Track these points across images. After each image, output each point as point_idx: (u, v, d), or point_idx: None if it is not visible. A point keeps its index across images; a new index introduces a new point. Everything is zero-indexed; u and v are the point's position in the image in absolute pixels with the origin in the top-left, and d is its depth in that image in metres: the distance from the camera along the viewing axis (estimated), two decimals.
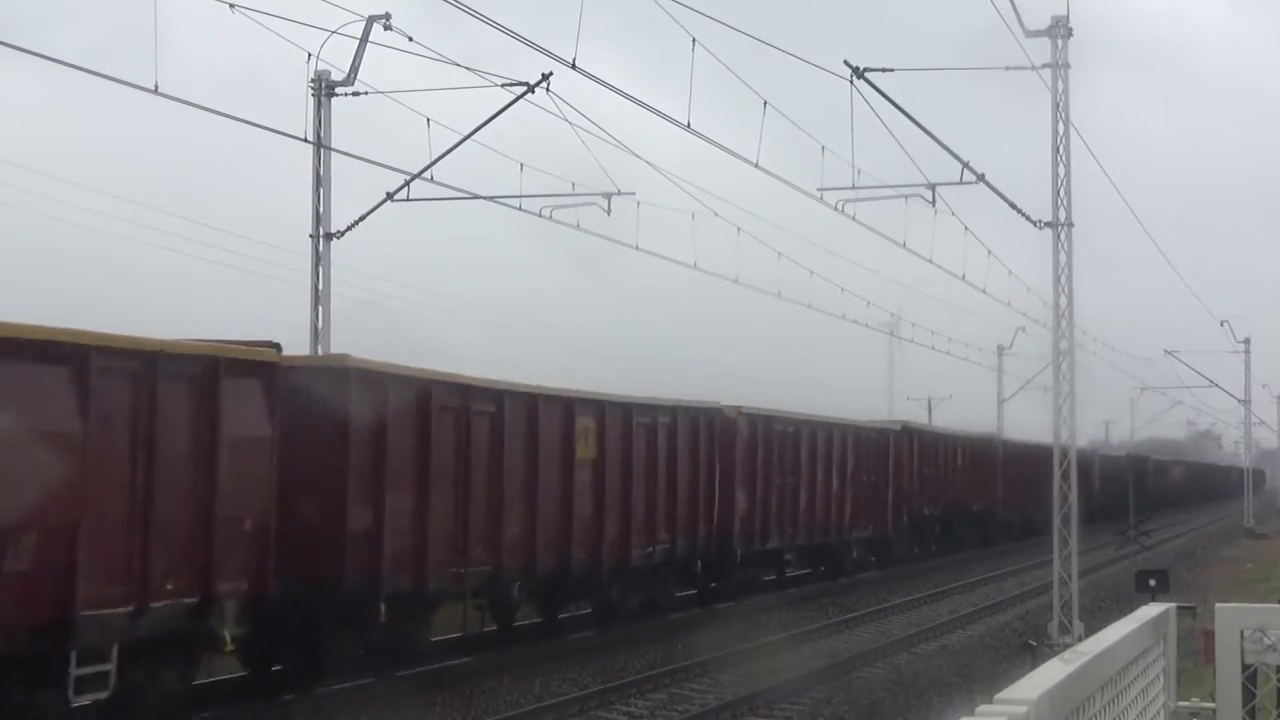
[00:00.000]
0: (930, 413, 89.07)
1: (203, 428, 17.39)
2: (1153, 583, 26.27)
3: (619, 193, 28.37)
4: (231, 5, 21.25)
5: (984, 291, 36.10)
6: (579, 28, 20.37)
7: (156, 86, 19.36)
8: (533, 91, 25.07)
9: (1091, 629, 12.19)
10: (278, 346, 18.76)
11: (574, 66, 20.35)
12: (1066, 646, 9.91)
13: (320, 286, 27.95)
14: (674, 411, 29.59)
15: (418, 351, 36.50)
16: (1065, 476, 26.21)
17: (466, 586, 23.19)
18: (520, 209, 28.31)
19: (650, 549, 28.43)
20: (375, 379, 20.57)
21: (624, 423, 27.42)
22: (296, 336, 27.43)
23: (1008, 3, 24.41)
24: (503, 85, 25.70)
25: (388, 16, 25.87)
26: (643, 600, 28.64)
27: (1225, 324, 70.08)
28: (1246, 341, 72.85)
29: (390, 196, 28.01)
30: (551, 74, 24.33)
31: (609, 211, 28.41)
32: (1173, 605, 6.64)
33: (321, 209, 27.91)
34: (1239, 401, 77.43)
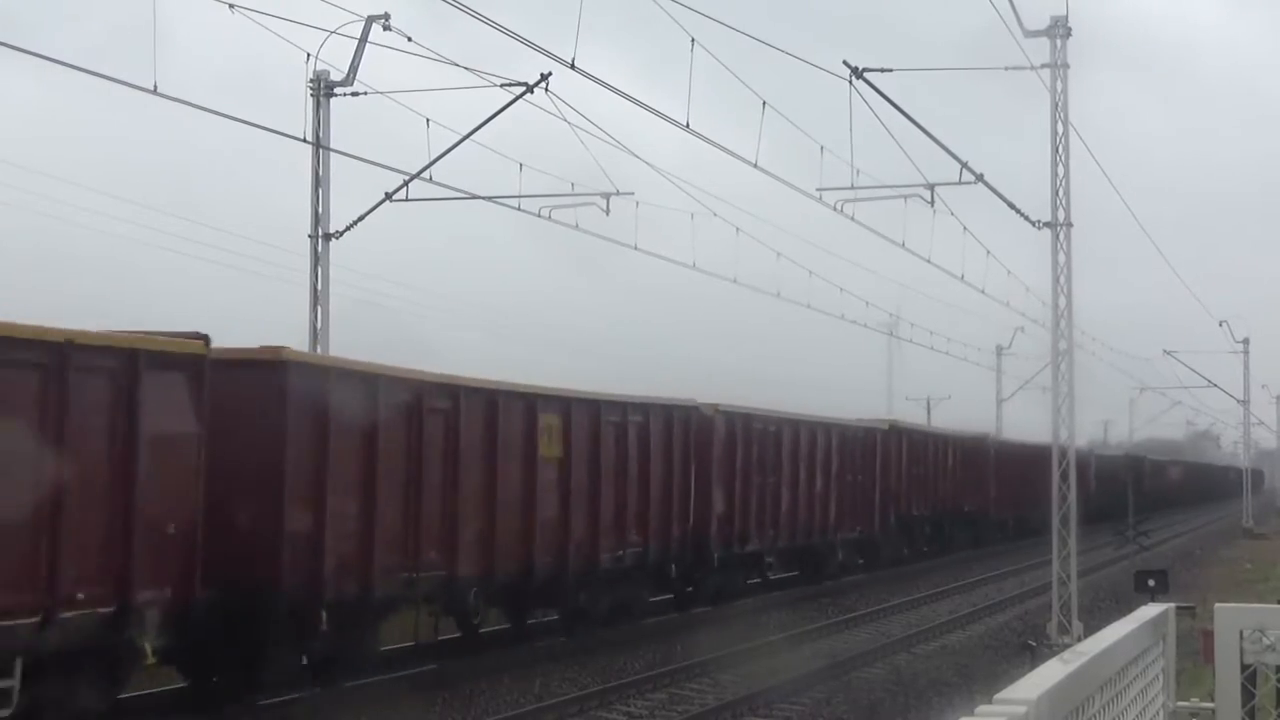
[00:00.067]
0: (929, 413, 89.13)
1: (120, 424, 16.35)
2: (1152, 583, 26.29)
3: (618, 193, 28.40)
4: (231, 5, 21.27)
5: (983, 291, 36.12)
6: (578, 28, 20.43)
7: (156, 87, 19.38)
8: (532, 91, 25.08)
9: (1091, 629, 12.20)
10: (206, 338, 17.71)
11: (573, 66, 20.37)
12: (1066, 647, 9.91)
13: (319, 287, 27.95)
14: (646, 409, 28.55)
15: (417, 352, 36.56)
16: (1064, 477, 26.21)
17: (418, 592, 21.99)
18: (519, 209, 28.35)
19: (620, 552, 27.33)
20: (315, 372, 19.67)
21: (591, 420, 26.36)
22: (296, 336, 27.49)
23: (1007, 3, 24.45)
24: (502, 85, 25.72)
25: (387, 16, 25.89)
26: (613, 605, 27.60)
27: (1224, 324, 70.18)
28: (1245, 341, 72.88)
29: (389, 196, 28.02)
30: (550, 74, 24.36)
31: (608, 211, 28.44)
32: (1172, 605, 6.64)
33: (321, 209, 27.92)
34: (1238, 402, 77.45)
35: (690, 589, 31.33)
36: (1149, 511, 64.32)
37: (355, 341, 28.57)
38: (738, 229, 32.55)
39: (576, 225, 28.65)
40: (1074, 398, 27.00)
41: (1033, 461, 59.12)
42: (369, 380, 20.56)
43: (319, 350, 27.11)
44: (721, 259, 33.81)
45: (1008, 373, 75.84)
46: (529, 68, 37.34)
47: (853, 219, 27.90)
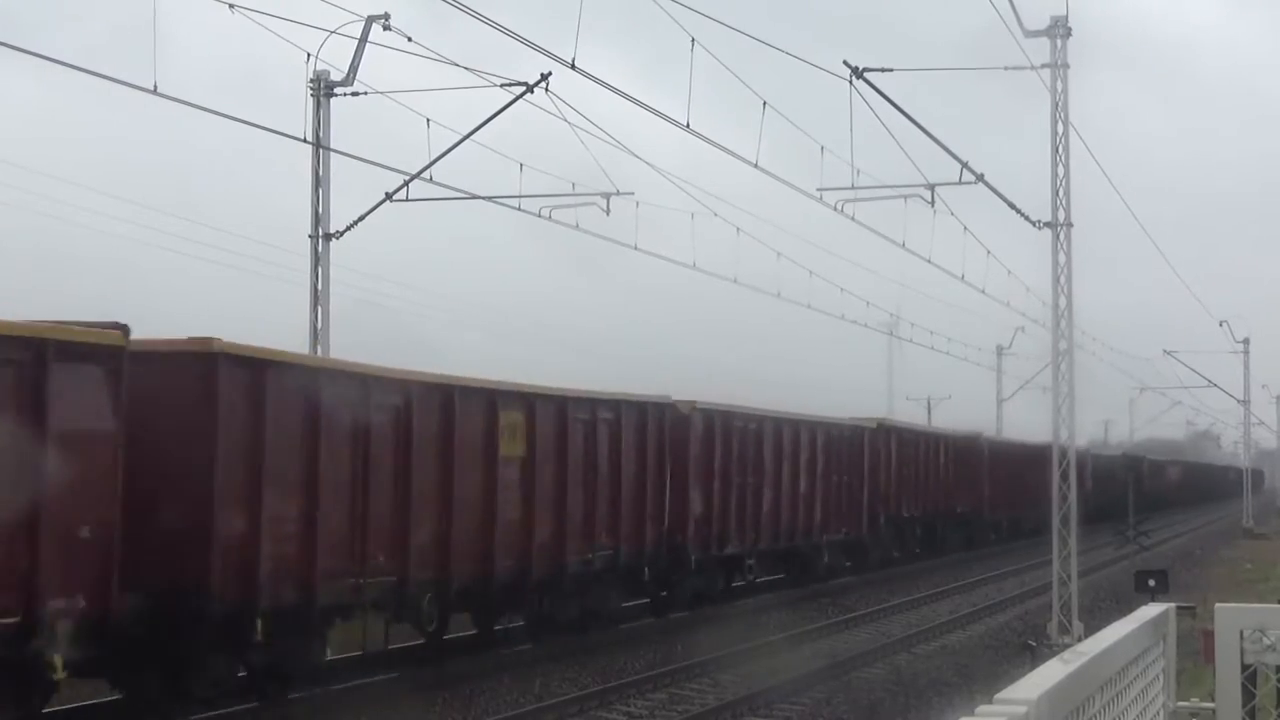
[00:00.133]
0: (930, 413, 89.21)
1: (25, 421, 15.22)
2: (1152, 583, 26.29)
3: (618, 193, 28.42)
4: (231, 5, 21.28)
5: (983, 291, 36.14)
6: (578, 28, 20.43)
7: (156, 87, 19.38)
8: (532, 91, 25.09)
9: (1091, 629, 12.20)
10: (125, 329, 16.64)
11: (573, 66, 20.39)
12: (1066, 647, 9.91)
13: (320, 287, 27.95)
14: (617, 406, 27.28)
15: (417, 352, 36.57)
16: (1065, 477, 26.21)
17: (366, 599, 20.57)
18: (519, 209, 28.36)
19: (589, 555, 26.18)
20: (250, 365, 18.32)
21: (558, 417, 25.20)
22: (297, 336, 27.50)
23: (1007, 3, 24.45)
24: (502, 85, 25.74)
25: (387, 16, 25.90)
26: (583, 611, 26.52)
27: (1224, 324, 70.21)
28: (1245, 341, 72.91)
29: (389, 196, 28.03)
30: (551, 74, 24.37)
31: (608, 211, 28.47)
32: (1172, 605, 6.64)
33: (321, 209, 27.92)
34: (1238, 401, 77.48)
35: (665, 593, 30.36)
36: (1148, 512, 64.23)
37: (355, 342, 28.56)
38: (738, 229, 32.59)
39: (577, 225, 28.69)
40: (1074, 398, 27.01)
41: (1028, 461, 58.81)
42: (310, 374, 19.64)
43: (319, 351, 27.12)
44: (721, 259, 33.83)
45: (1008, 373, 75.98)
46: (529, 68, 37.31)
47: (853, 219, 27.94)
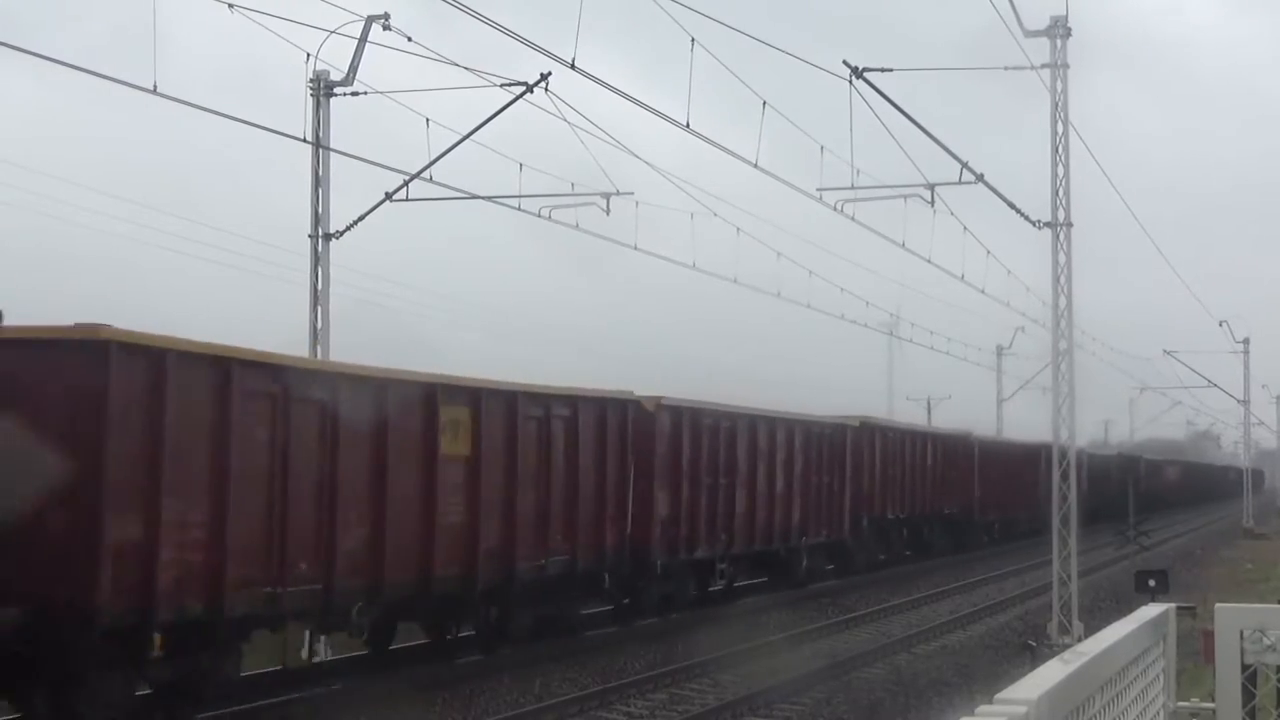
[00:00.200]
0: (930, 412, 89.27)
1: None
2: (1152, 583, 26.28)
3: (618, 193, 28.41)
4: (231, 5, 21.26)
5: (983, 291, 36.17)
6: (578, 28, 20.42)
7: (155, 86, 19.36)
8: (532, 91, 25.08)
9: (1091, 629, 12.20)
10: None
11: (573, 66, 20.38)
12: (1066, 647, 9.91)
13: (319, 287, 27.93)
14: (574, 402, 25.72)
15: (417, 352, 36.60)
16: (1065, 476, 26.22)
17: (285, 609, 18.97)
18: (519, 209, 28.36)
19: (541, 561, 24.65)
20: (147, 355, 16.59)
21: (507, 414, 23.55)
22: (297, 336, 27.49)
23: (1007, 3, 24.46)
24: (502, 85, 25.72)
25: (386, 16, 25.89)
26: (537, 619, 25.16)
27: (1224, 324, 70.25)
28: (1245, 341, 72.96)
29: (389, 196, 28.03)
30: (550, 74, 24.36)
31: (608, 211, 28.46)
32: (1172, 605, 6.64)
33: (320, 209, 27.91)
34: (1238, 401, 77.52)
35: (628, 600, 28.78)
36: (1146, 512, 64.08)
37: (356, 343, 28.55)
38: (738, 229, 32.59)
39: (577, 225, 28.69)
40: (1074, 398, 27.03)
41: (1022, 461, 58.66)
42: (219, 365, 17.69)
43: (319, 352, 27.11)
44: (721, 259, 33.84)
45: (1008, 373, 76.01)
46: (529, 68, 37.35)
47: (853, 219, 27.94)
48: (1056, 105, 25.79)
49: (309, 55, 25.49)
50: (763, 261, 36.25)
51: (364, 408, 20.12)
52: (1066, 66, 25.65)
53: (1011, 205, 26.50)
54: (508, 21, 20.07)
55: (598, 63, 21.34)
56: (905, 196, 28.16)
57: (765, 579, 35.82)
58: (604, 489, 26.53)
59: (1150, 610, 6.17)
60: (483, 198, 28.72)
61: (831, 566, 39.44)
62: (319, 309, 27.88)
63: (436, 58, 25.02)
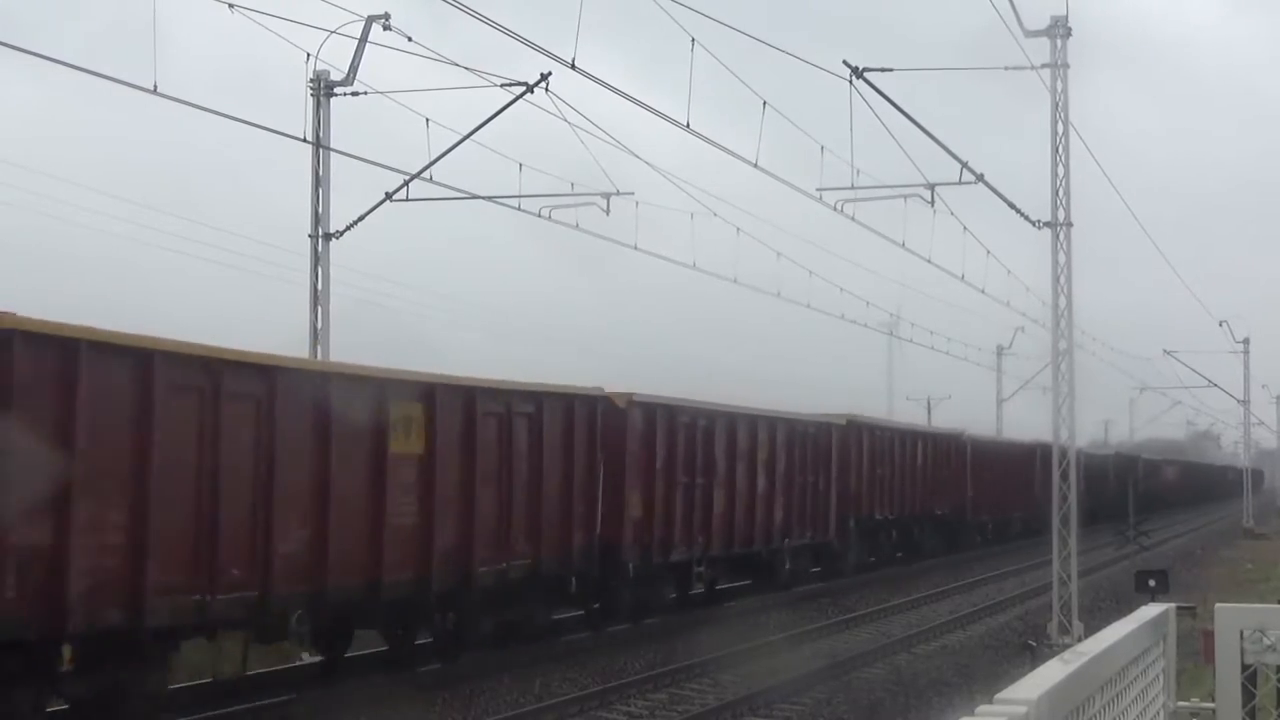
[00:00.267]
0: (930, 412, 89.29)
1: None
2: (1152, 583, 26.28)
3: (618, 193, 28.44)
4: (231, 5, 21.28)
5: (983, 291, 36.16)
6: (578, 27, 20.43)
7: (155, 86, 19.38)
8: (532, 91, 25.10)
9: (1091, 629, 12.20)
10: None
11: (573, 66, 20.39)
12: (1066, 647, 9.91)
13: (319, 287, 27.95)
14: (538, 399, 24.55)
15: (417, 352, 36.61)
16: (1065, 476, 26.23)
17: (215, 618, 17.73)
18: (519, 209, 28.38)
19: (502, 565, 23.46)
20: (56, 346, 15.40)
21: (465, 410, 22.44)
22: (297, 336, 27.51)
23: (1007, 3, 24.46)
24: (502, 85, 25.75)
25: (387, 16, 25.91)
26: (499, 626, 24.14)
27: (1224, 324, 70.27)
28: (1245, 341, 72.98)
29: (389, 196, 28.04)
30: (550, 74, 24.39)
31: (608, 211, 28.49)
32: (1172, 605, 6.65)
33: (321, 209, 27.93)
34: (1238, 401, 77.53)
35: (598, 605, 27.63)
36: (1144, 512, 63.97)
37: (356, 342, 28.56)
38: (738, 229, 32.60)
39: (577, 225, 28.71)
40: (1074, 398, 27.03)
41: (1016, 460, 58.34)
42: (140, 356, 16.40)
43: (319, 353, 27.12)
44: (721, 259, 33.92)
45: (1008, 373, 76.06)
46: (529, 68, 37.37)
47: (853, 219, 27.95)
48: (1056, 105, 25.80)
49: (309, 55, 25.54)
50: (763, 261, 36.31)
51: (305, 402, 18.99)
52: (1066, 66, 25.67)
53: (1011, 205, 26.52)
54: (508, 21, 20.10)
55: (597, 62, 21.38)
56: (905, 196, 28.18)
57: (748, 582, 34.86)
58: (571, 489, 25.41)
59: (1150, 610, 6.17)
60: (483, 198, 28.75)
61: (817, 569, 38.48)
62: (319, 309, 27.89)
63: (436, 58, 25.06)
